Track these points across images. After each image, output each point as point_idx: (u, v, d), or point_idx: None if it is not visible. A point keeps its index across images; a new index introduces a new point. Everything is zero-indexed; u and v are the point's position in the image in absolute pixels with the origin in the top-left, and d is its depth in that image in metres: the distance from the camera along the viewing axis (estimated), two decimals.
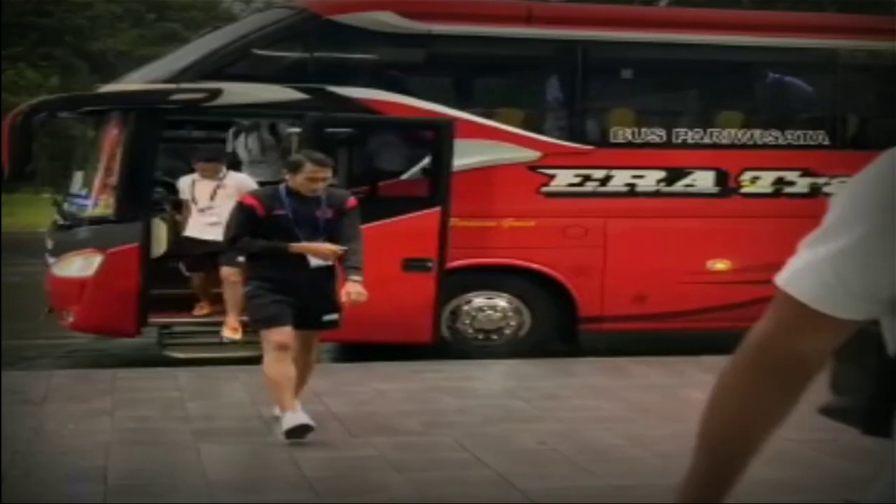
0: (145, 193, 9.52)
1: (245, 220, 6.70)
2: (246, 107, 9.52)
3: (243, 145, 10.90)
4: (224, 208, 8.72)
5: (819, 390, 6.50)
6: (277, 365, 6.56)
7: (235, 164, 10.56)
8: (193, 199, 9.74)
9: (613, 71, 10.58)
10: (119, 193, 9.38)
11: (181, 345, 9.80)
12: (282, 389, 6.60)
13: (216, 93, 9.28)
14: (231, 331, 9.37)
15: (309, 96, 9.35)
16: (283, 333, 6.57)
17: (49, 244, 10.04)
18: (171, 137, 10.74)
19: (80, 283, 9.37)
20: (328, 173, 6.73)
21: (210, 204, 9.60)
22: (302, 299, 6.64)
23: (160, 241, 9.76)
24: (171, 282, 9.79)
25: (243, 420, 7.18)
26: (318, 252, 6.66)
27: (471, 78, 10.87)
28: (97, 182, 9.61)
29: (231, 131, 10.95)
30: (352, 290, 6.58)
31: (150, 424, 6.97)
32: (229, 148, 10.93)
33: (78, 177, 10.22)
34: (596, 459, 6.18)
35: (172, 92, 9.31)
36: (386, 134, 10.11)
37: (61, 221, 10.15)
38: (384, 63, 9.97)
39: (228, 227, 6.93)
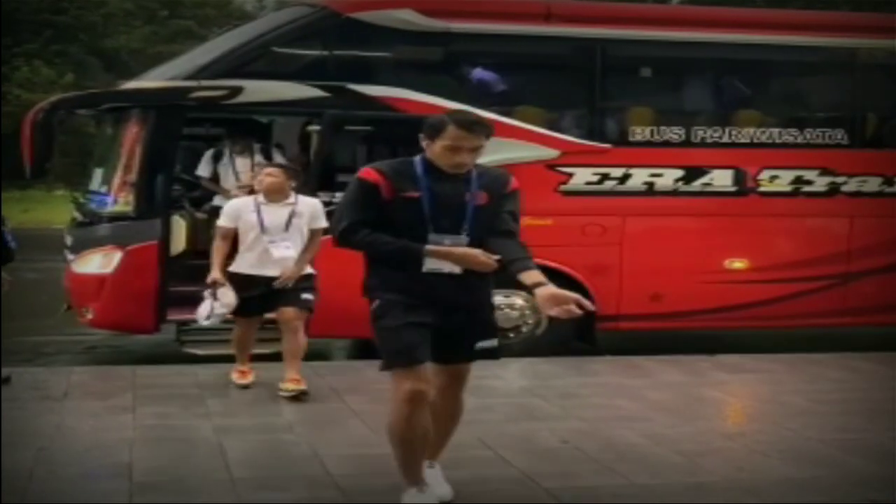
0: (165, 191, 9.53)
1: (365, 203, 4.91)
2: (266, 104, 9.55)
3: (230, 168, 10.31)
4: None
5: (836, 390, 6.48)
6: (408, 421, 5.00)
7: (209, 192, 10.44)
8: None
9: (632, 69, 10.58)
10: (139, 191, 9.41)
11: (199, 341, 9.80)
12: (412, 452, 5.12)
13: (237, 90, 9.31)
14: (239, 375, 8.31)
15: (329, 94, 9.39)
16: (419, 376, 4.95)
17: (68, 241, 10.08)
18: (192, 135, 10.75)
19: (100, 280, 9.40)
20: (481, 141, 4.95)
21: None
22: (448, 319, 5.03)
23: (179, 238, 9.78)
24: (189, 279, 9.81)
25: (265, 416, 7.20)
26: (468, 260, 4.91)
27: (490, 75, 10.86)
28: (117, 179, 9.62)
29: (210, 153, 10.46)
30: (559, 296, 4.84)
31: (173, 421, 6.99)
32: (205, 171, 10.40)
33: (97, 174, 10.24)
34: (619, 458, 6.19)
35: (193, 89, 9.34)
36: (405, 131, 10.10)
37: (81, 218, 10.18)
38: (404, 61, 9.98)
39: (338, 214, 5.05)
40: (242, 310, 7.98)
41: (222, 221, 7.98)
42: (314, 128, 9.62)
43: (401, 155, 10.38)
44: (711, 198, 10.19)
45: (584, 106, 10.29)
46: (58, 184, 24.96)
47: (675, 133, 10.14)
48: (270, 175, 7.94)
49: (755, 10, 12.23)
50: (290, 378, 7.81)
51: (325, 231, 7.39)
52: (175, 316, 9.64)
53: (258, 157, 10.02)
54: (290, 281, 7.83)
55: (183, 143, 10.27)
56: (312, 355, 9.27)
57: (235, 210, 7.98)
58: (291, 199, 7.95)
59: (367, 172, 4.98)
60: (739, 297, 10.22)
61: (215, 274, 7.86)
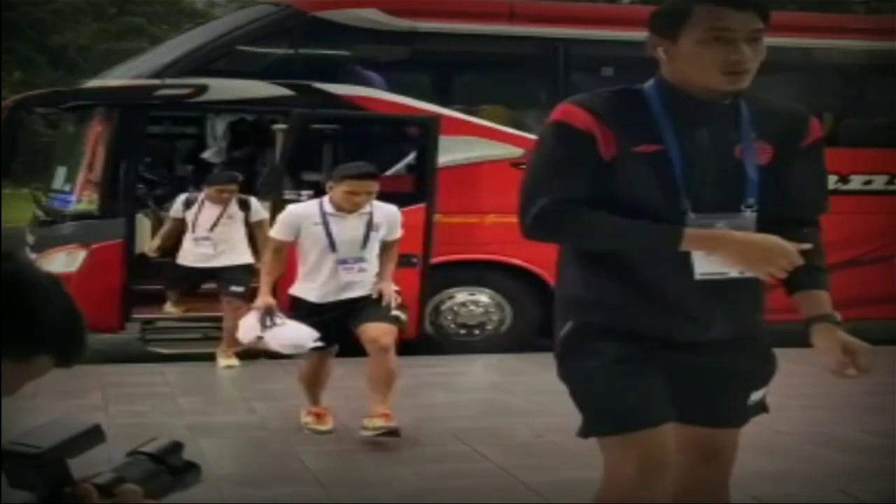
0: (129, 189, 9.50)
1: (574, 165, 3.03)
2: (231, 103, 9.55)
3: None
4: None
5: (802, 385, 6.59)
6: None
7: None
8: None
9: (594, 69, 10.68)
10: (103, 189, 9.37)
11: (164, 340, 9.81)
12: None
13: (202, 89, 9.29)
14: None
15: (294, 93, 9.39)
16: (657, 442, 3.15)
17: (30, 240, 10.02)
18: (156, 133, 10.74)
19: (64, 279, 9.16)
20: (753, 64, 3.03)
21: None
22: (699, 358, 3.20)
23: (143, 237, 9.77)
24: (154, 277, 9.79)
25: (237, 415, 7.23)
26: (767, 255, 3.06)
27: (455, 75, 10.94)
28: (81, 178, 9.58)
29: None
30: (850, 346, 3.20)
31: (146, 419, 6.98)
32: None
33: (60, 173, 10.18)
34: (594, 452, 6.24)
35: (157, 88, 9.31)
36: (371, 130, 10.17)
37: (43, 217, 10.12)
38: (369, 59, 10.01)
39: (527, 183, 3.10)
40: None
41: (276, 232, 6.56)
42: (280, 127, 9.63)
43: (368, 156, 10.62)
44: None
45: (549, 104, 10.36)
46: (22, 182, 24.67)
47: None
48: (358, 189, 6.37)
49: None
50: (380, 413, 6.28)
51: None
52: (140, 315, 9.62)
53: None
54: (390, 299, 6.44)
55: (148, 141, 10.26)
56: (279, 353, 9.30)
57: (295, 219, 6.46)
58: (367, 207, 6.46)
59: (571, 112, 3.03)
60: None
61: (266, 298, 6.47)
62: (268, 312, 6.44)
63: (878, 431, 6.85)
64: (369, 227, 6.45)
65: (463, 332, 9.87)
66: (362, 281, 6.42)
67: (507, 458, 6.11)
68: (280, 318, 6.44)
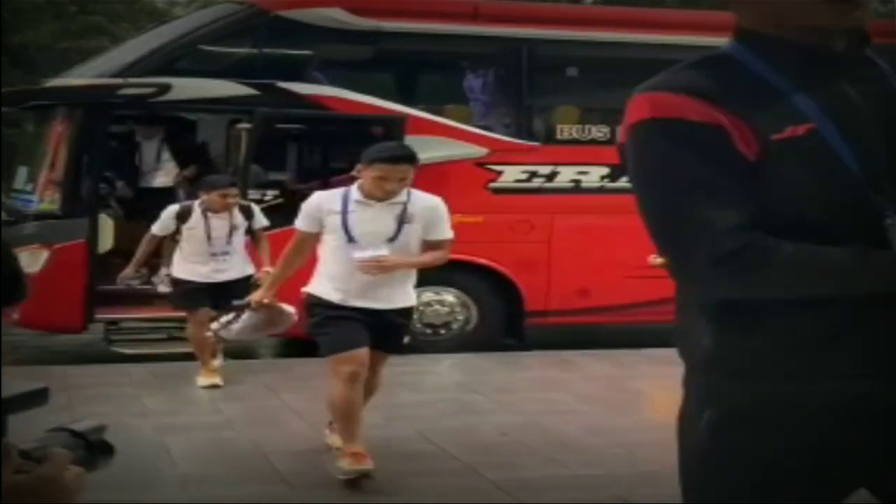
0: (92, 189, 9.46)
1: (724, 168, 2.07)
2: (195, 102, 9.52)
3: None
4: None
5: None
6: None
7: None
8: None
9: (559, 69, 10.73)
10: (65, 189, 9.34)
11: (128, 340, 9.76)
12: None
13: (165, 88, 9.27)
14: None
15: (259, 92, 9.39)
16: None
17: None
18: (119, 133, 10.70)
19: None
20: None
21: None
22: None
23: (106, 236, 9.72)
24: (117, 277, 9.74)
25: (204, 415, 7.21)
26: None
27: (420, 74, 10.96)
28: (43, 178, 9.53)
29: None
30: None
31: (111, 420, 6.90)
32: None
33: (22, 173, 10.12)
34: (560, 450, 6.32)
35: (120, 87, 9.28)
36: (336, 129, 10.16)
37: (5, 217, 10.05)
38: (333, 59, 10.02)
39: (668, 218, 2.22)
40: (340, 343, 5.53)
41: (300, 223, 5.75)
42: (243, 126, 9.61)
43: (332, 156, 10.61)
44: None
45: (512, 104, 10.41)
46: None
47: (600, 131, 10.31)
48: (389, 175, 5.50)
49: (680, 11, 12.49)
50: (351, 452, 5.57)
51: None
52: (103, 315, 9.57)
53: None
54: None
55: (111, 141, 10.22)
56: (244, 353, 9.31)
57: (315, 208, 5.64)
58: (402, 195, 5.59)
59: (675, 103, 2.14)
60: (664, 292, 10.37)
61: (264, 293, 6.00)
62: (257, 306, 6.00)
63: None
64: (402, 219, 5.51)
65: (429, 331, 9.89)
66: (388, 284, 5.52)
67: (473, 456, 6.13)
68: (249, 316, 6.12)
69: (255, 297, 6.04)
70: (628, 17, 10.99)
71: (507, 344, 10.06)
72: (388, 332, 5.61)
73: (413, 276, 5.77)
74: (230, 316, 6.28)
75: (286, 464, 5.95)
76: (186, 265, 8.19)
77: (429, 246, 5.66)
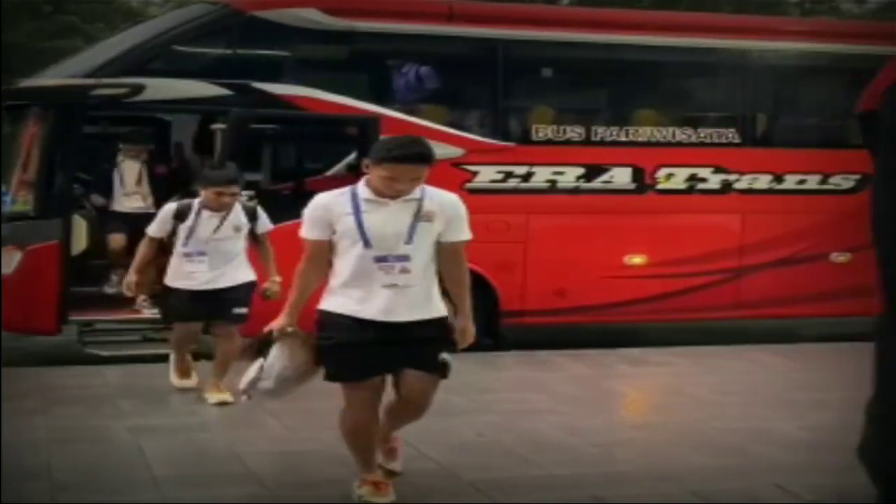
0: (65, 190, 9.41)
1: None
2: (169, 102, 9.48)
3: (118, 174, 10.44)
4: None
5: (737, 381, 6.71)
6: None
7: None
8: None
9: (534, 69, 10.75)
10: (39, 190, 9.29)
11: (102, 342, 9.71)
12: None
13: (138, 88, 9.23)
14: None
15: (233, 92, 9.36)
16: None
17: None
18: (93, 134, 10.64)
19: None
20: None
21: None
22: None
23: (80, 238, 9.67)
24: (91, 279, 9.71)
25: (178, 417, 7.17)
26: None
27: (394, 75, 10.93)
28: (16, 178, 9.48)
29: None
30: None
31: (86, 422, 6.91)
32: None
33: None
34: (536, 450, 6.31)
35: (93, 87, 9.23)
36: (311, 130, 10.15)
37: None
38: (308, 59, 10.00)
39: None
40: (350, 372, 5.02)
41: (306, 232, 5.01)
42: (218, 126, 9.58)
43: (308, 156, 10.54)
44: (611, 195, 10.41)
45: (488, 105, 10.42)
46: None
47: (575, 132, 10.33)
48: (400, 175, 4.81)
49: (653, 13, 12.52)
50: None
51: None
52: (77, 317, 9.52)
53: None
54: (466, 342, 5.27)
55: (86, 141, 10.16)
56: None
57: (323, 211, 4.97)
58: (416, 192, 4.95)
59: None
60: (639, 292, 10.47)
61: (284, 320, 5.05)
62: (281, 336, 5.03)
63: (815, 427, 6.95)
64: (416, 216, 4.91)
65: None
66: (410, 293, 4.92)
67: (449, 457, 6.12)
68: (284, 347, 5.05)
69: (274, 325, 5.03)
70: (603, 19, 11.02)
71: (484, 344, 10.04)
72: (416, 349, 4.92)
73: (436, 281, 5.05)
74: (253, 372, 5.15)
75: (261, 465, 5.92)
76: (179, 270, 7.55)
77: (446, 250, 5.00)
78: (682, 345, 10.17)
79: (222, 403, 7.35)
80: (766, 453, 6.35)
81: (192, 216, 7.44)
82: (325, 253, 4.98)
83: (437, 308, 5.03)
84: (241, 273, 7.54)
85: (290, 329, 5.03)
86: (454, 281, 5.10)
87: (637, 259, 10.57)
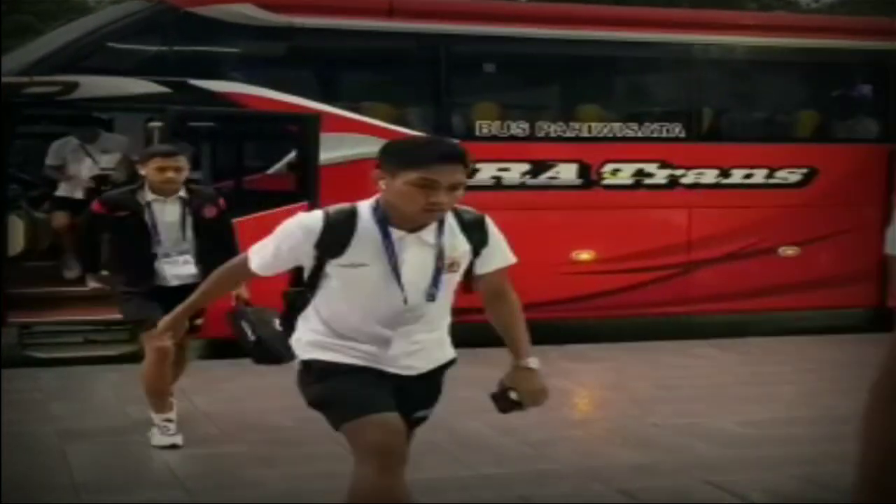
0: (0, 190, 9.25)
1: None
2: (104, 100, 9.34)
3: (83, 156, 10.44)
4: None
5: (679, 377, 6.66)
6: None
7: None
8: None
9: (476, 65, 10.66)
10: None
11: (42, 344, 9.55)
12: None
13: (72, 86, 9.08)
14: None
15: (170, 90, 9.23)
16: None
17: None
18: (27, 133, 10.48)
19: None
20: None
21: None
22: None
23: (17, 238, 9.52)
24: (30, 281, 9.55)
25: (110, 419, 7.05)
26: None
27: (335, 71, 10.83)
28: None
29: (57, 144, 10.51)
30: None
31: (13, 427, 6.77)
32: (53, 161, 10.48)
33: None
34: (466, 449, 6.24)
35: (25, 85, 9.07)
36: (251, 128, 10.03)
37: None
38: (246, 56, 9.88)
39: None
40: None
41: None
42: (155, 124, 9.44)
43: (248, 154, 10.34)
44: (557, 191, 10.34)
45: (430, 101, 10.32)
46: None
47: (520, 128, 10.26)
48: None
49: (599, 7, 12.40)
50: None
51: None
52: (15, 319, 9.36)
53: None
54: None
55: (20, 141, 10.02)
56: None
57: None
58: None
59: None
60: (586, 288, 10.41)
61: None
62: None
63: (751, 422, 6.92)
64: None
65: None
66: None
67: None
68: None
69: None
70: (548, 13, 10.94)
71: None
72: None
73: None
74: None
75: (185, 468, 5.82)
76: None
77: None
78: (631, 340, 10.12)
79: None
80: (699, 449, 6.30)
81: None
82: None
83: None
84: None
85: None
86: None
87: (584, 255, 10.52)
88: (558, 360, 9.17)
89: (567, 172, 10.38)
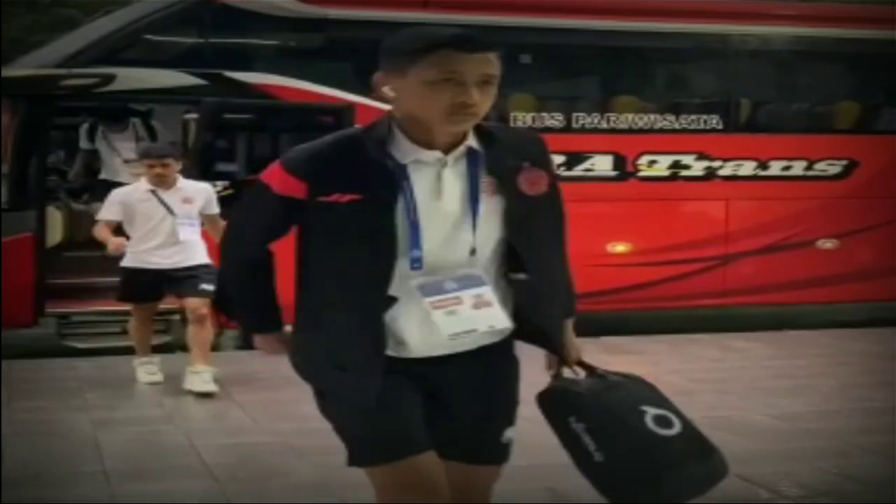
0: (38, 181, 9.33)
1: None
2: (141, 92, 9.39)
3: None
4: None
5: (713, 370, 6.54)
6: None
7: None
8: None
9: (513, 56, 10.61)
10: (10, 182, 9.20)
11: (81, 334, 9.63)
12: None
13: (109, 78, 9.14)
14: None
15: (206, 81, 9.27)
16: None
17: None
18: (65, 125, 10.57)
19: None
20: None
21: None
22: None
23: (55, 229, 9.60)
24: (68, 271, 9.63)
25: (143, 409, 7.11)
26: None
27: (370, 63, 10.80)
28: None
29: (85, 127, 10.65)
30: None
31: (48, 415, 6.84)
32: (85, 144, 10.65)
33: None
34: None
35: (63, 77, 9.14)
36: (286, 119, 10.05)
37: None
38: (282, 47, 9.90)
39: None
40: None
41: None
42: (191, 116, 9.48)
43: (281, 146, 10.45)
44: (593, 183, 10.30)
45: None
46: None
47: (555, 119, 10.22)
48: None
49: None
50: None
51: None
52: (53, 309, 9.45)
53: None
54: None
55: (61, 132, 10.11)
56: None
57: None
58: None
59: None
60: (622, 280, 10.36)
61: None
62: None
63: (783, 415, 6.86)
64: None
65: None
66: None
67: (328, 456, 5.99)
68: None
69: None
70: (592, 4, 10.74)
71: None
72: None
73: None
74: None
75: (217, 458, 5.84)
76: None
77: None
78: (668, 333, 10.06)
79: (205, 394, 7.33)
80: (732, 442, 6.22)
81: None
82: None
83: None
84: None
85: None
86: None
87: (620, 247, 10.47)
88: (592, 352, 9.08)
89: (603, 164, 10.33)
